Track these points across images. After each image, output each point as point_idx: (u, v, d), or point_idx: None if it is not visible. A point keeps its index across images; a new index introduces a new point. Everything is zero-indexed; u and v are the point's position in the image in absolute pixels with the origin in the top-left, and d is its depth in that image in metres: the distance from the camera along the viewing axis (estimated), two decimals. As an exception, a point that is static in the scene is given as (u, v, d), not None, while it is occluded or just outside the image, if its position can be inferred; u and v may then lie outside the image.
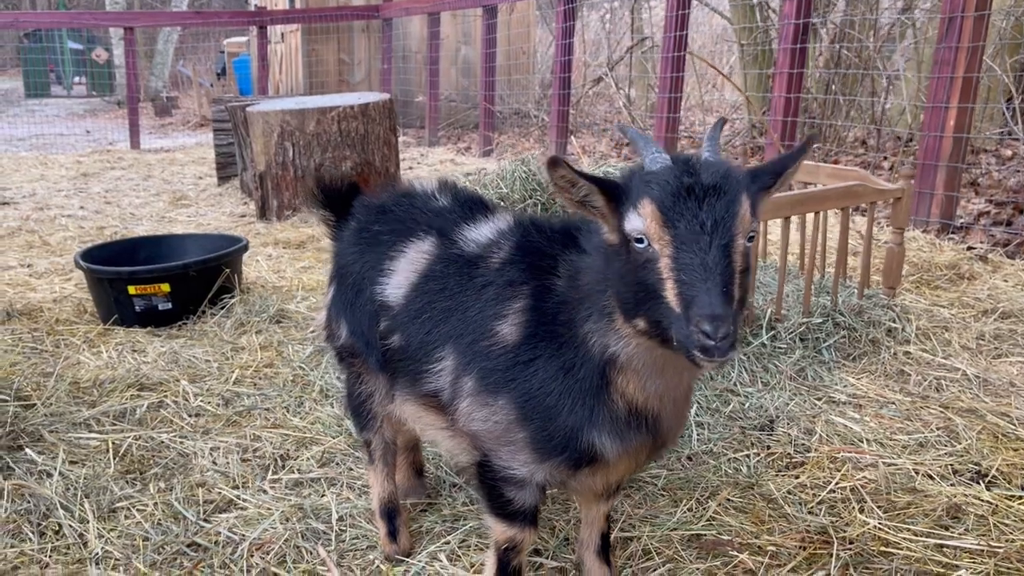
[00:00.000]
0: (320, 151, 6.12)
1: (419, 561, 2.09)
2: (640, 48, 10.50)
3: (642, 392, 1.58)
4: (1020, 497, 2.32)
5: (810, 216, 3.45)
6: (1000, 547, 2.09)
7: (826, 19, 7.75)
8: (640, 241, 1.38)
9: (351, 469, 2.55)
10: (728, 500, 2.35)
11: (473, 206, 1.94)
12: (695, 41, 13.33)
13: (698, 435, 2.68)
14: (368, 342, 1.95)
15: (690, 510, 2.30)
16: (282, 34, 14.50)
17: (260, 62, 12.73)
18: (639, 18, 10.84)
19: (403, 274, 1.86)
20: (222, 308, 3.88)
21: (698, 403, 2.83)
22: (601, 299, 1.54)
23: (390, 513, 2.17)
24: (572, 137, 9.41)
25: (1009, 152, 7.38)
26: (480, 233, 1.83)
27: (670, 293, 1.34)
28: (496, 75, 10.66)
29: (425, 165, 9.65)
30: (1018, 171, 6.87)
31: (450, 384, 1.73)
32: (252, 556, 2.13)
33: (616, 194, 1.43)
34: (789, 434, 2.70)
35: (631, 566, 2.07)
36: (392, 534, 2.14)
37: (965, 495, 2.33)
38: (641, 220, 1.37)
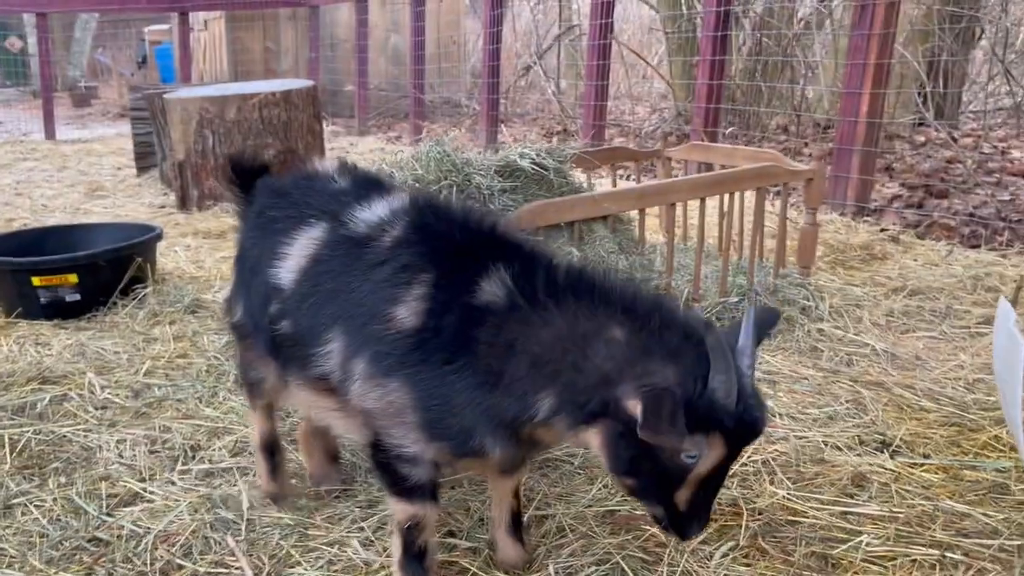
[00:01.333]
0: (241, 139, 5.97)
1: (331, 547, 2.06)
2: (568, 37, 10.54)
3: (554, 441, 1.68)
4: (922, 464, 2.40)
5: (727, 197, 3.50)
6: (901, 512, 2.15)
7: (748, 7, 7.89)
8: (692, 457, 1.44)
9: (263, 457, 2.48)
10: (643, 476, 2.36)
11: (369, 186, 1.91)
12: (625, 31, 13.44)
13: (616, 414, 2.70)
14: (258, 325, 1.92)
15: (605, 486, 2.31)
16: (205, 21, 14.12)
17: (182, 51, 12.37)
18: (567, 7, 10.88)
19: (295, 258, 1.82)
20: (134, 299, 3.76)
21: (616, 382, 2.85)
22: (579, 399, 1.51)
23: (271, 448, 2.20)
24: (503, 126, 9.40)
25: (922, 138, 7.64)
26: (372, 213, 1.80)
27: (684, 500, 1.48)
28: (426, 64, 10.58)
29: (355, 154, 9.51)
30: (930, 156, 7.12)
31: (339, 366, 1.70)
32: (157, 549, 2.06)
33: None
34: (705, 411, 2.74)
35: (545, 544, 2.07)
36: (273, 471, 2.19)
37: (870, 464, 2.40)
38: (706, 450, 1.43)
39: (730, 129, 7.25)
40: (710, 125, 6.21)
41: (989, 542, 2.02)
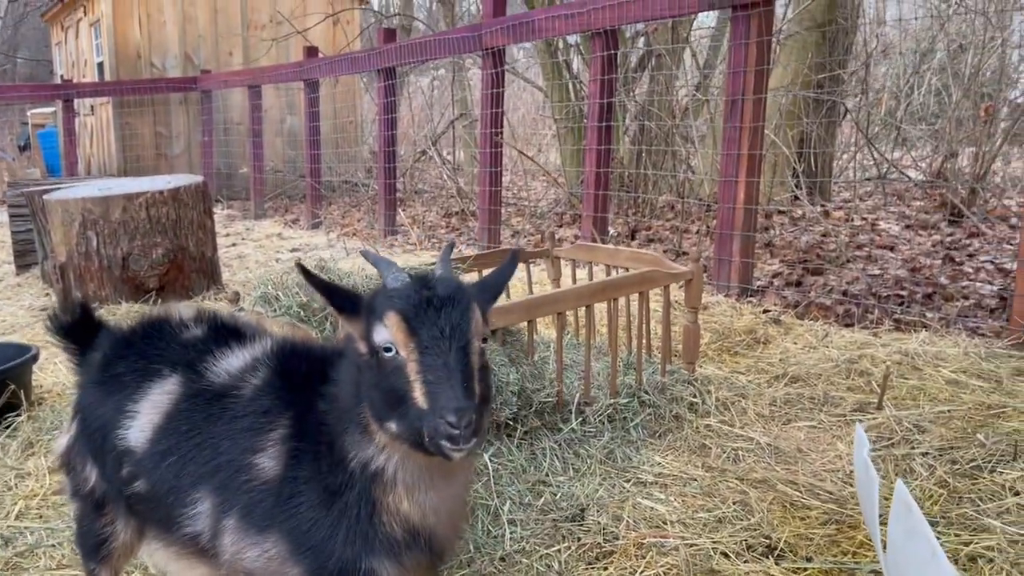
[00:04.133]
0: (127, 239, 5.82)
1: None
2: (463, 121, 10.77)
3: (416, 508, 1.59)
4: (805, 569, 2.49)
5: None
6: (785, 625, 2.22)
7: (630, 98, 8.28)
8: (388, 350, 1.49)
9: (144, 612, 2.37)
10: (539, 602, 2.37)
11: (227, 333, 1.88)
12: (518, 109, 13.84)
13: (511, 533, 2.70)
14: (114, 490, 1.86)
15: (501, 618, 2.30)
16: (92, 106, 13.78)
17: (67, 137, 12.01)
18: (460, 90, 11.13)
19: (147, 416, 1.77)
20: (7, 427, 3.56)
21: (511, 499, 2.86)
22: (356, 411, 1.57)
23: None
24: (400, 209, 9.46)
25: (800, 211, 8.10)
26: (230, 363, 1.78)
27: (418, 393, 1.45)
28: (322, 147, 10.60)
29: (250, 241, 9.38)
30: (807, 230, 7.55)
31: (210, 528, 1.66)
32: None
33: (353, 308, 1.55)
34: (599, 522, 2.77)
35: None
36: None
37: (757, 572, 2.47)
38: (388, 331, 1.49)
39: (614, 231, 7.50)
40: (599, 211, 6.42)
41: (867, 651, 2.10)
